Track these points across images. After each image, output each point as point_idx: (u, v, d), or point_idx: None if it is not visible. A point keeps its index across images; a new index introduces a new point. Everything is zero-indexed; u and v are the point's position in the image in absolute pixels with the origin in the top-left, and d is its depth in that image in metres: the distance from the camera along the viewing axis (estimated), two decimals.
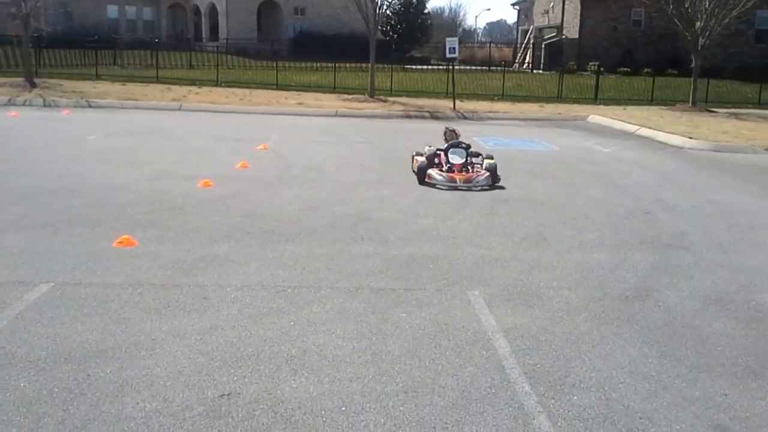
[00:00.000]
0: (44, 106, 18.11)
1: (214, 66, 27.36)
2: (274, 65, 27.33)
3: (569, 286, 5.73)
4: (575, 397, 3.90)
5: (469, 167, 9.77)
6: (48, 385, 3.79)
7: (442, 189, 9.30)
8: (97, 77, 24.34)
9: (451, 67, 23.82)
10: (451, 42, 22.16)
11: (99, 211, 7.48)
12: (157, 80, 24.64)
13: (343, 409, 3.67)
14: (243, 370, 4.07)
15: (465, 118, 20.40)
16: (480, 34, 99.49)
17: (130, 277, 5.47)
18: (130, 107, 18.57)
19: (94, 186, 8.73)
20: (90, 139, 12.87)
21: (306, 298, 5.23)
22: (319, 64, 30.50)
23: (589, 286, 5.76)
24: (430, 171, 9.53)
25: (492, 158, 10.02)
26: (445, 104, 22.26)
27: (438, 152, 10.05)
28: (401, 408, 3.70)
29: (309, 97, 22.62)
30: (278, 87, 25.05)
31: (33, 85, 20.69)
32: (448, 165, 9.66)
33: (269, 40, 41.58)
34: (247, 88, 24.45)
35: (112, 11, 45.25)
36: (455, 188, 9.26)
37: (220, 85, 24.59)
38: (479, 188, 9.27)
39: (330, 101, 21.89)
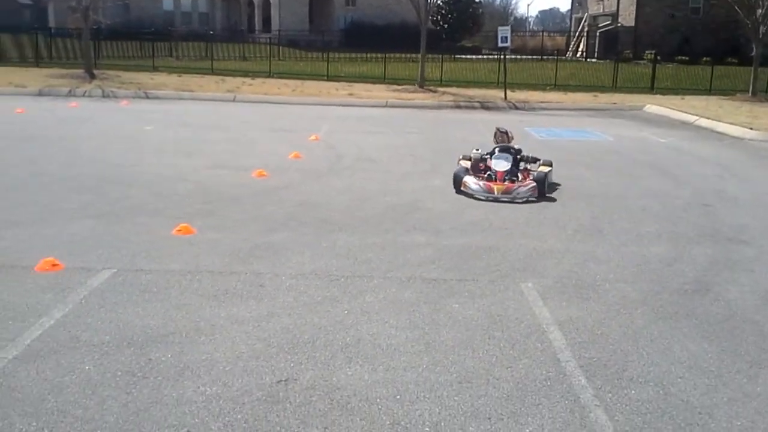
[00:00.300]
0: (103, 96, 18.66)
1: (267, 57, 27.67)
2: (325, 56, 27.49)
3: (626, 279, 5.64)
4: (633, 392, 3.84)
5: (519, 174, 8.62)
6: (112, 369, 3.93)
7: (480, 199, 8.15)
8: (154, 69, 24.93)
9: (502, 56, 23.54)
10: (503, 31, 21.90)
11: (158, 200, 7.69)
12: (212, 72, 25.07)
13: (398, 397, 3.71)
14: (299, 356, 4.14)
15: (516, 108, 20.17)
16: (532, 23, 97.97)
17: (189, 265, 5.62)
18: (186, 98, 18.97)
19: (154, 176, 8.98)
20: (148, 130, 13.22)
21: (359, 288, 5.28)
22: (369, 55, 30.53)
23: (647, 279, 5.65)
24: (466, 179, 8.42)
25: (550, 165, 8.92)
26: (496, 94, 22.04)
27: (485, 157, 9.05)
28: (456, 398, 3.72)
29: (359, 88, 22.69)
30: (329, 78, 25.19)
31: (92, 77, 21.33)
32: (489, 173, 8.54)
33: (320, 31, 41.81)
34: (299, 79, 24.69)
35: (168, 4, 46.15)
36: (495, 200, 8.07)
37: (273, 77, 24.88)
38: (522, 200, 8.04)
39: (380, 92, 21.92)
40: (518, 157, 8.85)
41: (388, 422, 3.47)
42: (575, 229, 7.06)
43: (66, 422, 3.38)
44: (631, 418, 3.58)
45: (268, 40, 31.50)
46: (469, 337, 4.47)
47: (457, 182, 8.52)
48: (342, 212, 7.47)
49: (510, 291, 5.29)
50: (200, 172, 9.37)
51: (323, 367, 4.02)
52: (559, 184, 9.04)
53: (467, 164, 8.96)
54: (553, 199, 8.32)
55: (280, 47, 33.21)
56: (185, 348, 4.20)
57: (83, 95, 18.69)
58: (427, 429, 3.43)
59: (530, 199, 8.10)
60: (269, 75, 25.19)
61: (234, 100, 19.22)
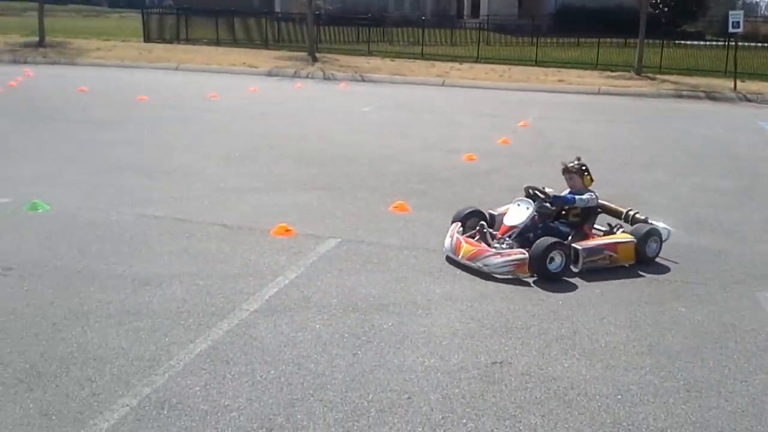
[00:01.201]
0: (324, 79, 19.88)
1: (475, 43, 27.67)
2: (534, 41, 26.86)
3: None
4: None
5: (581, 233, 5.59)
6: (339, 330, 4.21)
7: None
8: (369, 53, 26.04)
9: (732, 43, 21.39)
10: (735, 15, 19.89)
11: (376, 178, 8.07)
12: (422, 57, 25.62)
13: (619, 397, 3.56)
14: (513, 341, 4.14)
15: (747, 99, 18.27)
16: (763, 8, 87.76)
17: (406, 240, 5.84)
18: (398, 82, 19.61)
19: (372, 154, 9.43)
20: (365, 111, 13.88)
21: (575, 279, 5.13)
22: (580, 40, 29.33)
23: None
24: (452, 228, 5.67)
25: (646, 237, 5.49)
26: (722, 84, 20.12)
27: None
28: (683, 406, 3.49)
29: (569, 74, 21.91)
30: (537, 63, 24.61)
31: (315, 60, 22.80)
32: (481, 224, 5.68)
33: (529, 15, 40.91)
34: (506, 64, 24.40)
35: None
36: (464, 266, 5.31)
37: (480, 62, 24.84)
38: (500, 275, 5.12)
39: (592, 78, 21.00)
40: (597, 209, 5.82)
41: (609, 420, 3.36)
42: None
43: (300, 374, 3.68)
44: None
45: (476, 25, 31.46)
46: (697, 344, 4.17)
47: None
48: None
49: (744, 299, 4.84)
50: (413, 153, 9.66)
51: (538, 355, 3.98)
52: (669, 267, 5.49)
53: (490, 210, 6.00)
54: (573, 286, 5.02)
55: (488, 32, 33.05)
56: (404, 319, 4.38)
57: (306, 77, 20.06)
58: None
59: (506, 275, 5.11)
60: (477, 60, 25.19)
61: (443, 85, 19.51)
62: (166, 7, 37.41)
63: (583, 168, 5.80)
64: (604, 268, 5.27)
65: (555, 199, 5.61)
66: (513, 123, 12.58)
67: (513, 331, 4.27)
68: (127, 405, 3.31)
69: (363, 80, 19.74)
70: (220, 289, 4.71)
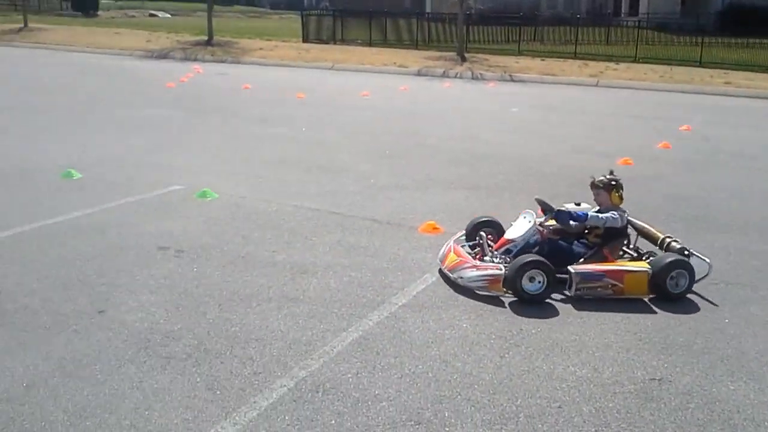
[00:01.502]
0: (472, 78, 19.80)
1: (632, 42, 26.36)
2: (698, 41, 25.12)
3: None
4: None
5: (598, 255, 4.97)
6: (486, 331, 4.19)
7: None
8: (519, 53, 25.58)
9: None
10: None
11: (524, 179, 7.94)
12: (575, 56, 24.78)
13: None
14: (674, 358, 3.91)
15: None
16: None
17: None
18: (548, 82, 19.12)
19: (519, 155, 9.28)
20: (513, 111, 13.66)
21: (741, 296, 4.79)
22: (750, 40, 27.06)
23: None
24: (456, 236, 5.47)
25: (652, 270, 4.68)
26: None
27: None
28: None
29: (737, 77, 20.28)
30: (702, 64, 22.98)
31: (463, 60, 22.76)
32: (479, 235, 5.36)
33: (694, 14, 38.33)
34: (668, 64, 23.02)
35: None
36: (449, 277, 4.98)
37: (638, 62, 23.62)
38: (475, 288, 4.74)
39: (764, 81, 19.28)
40: (624, 231, 5.15)
41: None
42: None
43: (447, 372, 3.70)
44: None
45: (635, 24, 29.96)
46: None
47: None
48: (720, 211, 6.83)
49: None
50: (563, 155, 9.39)
51: (701, 375, 3.74)
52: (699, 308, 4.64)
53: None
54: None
55: (648, 31, 31.37)
56: (554, 325, 4.28)
57: (455, 76, 20.09)
58: None
59: (479, 290, 4.72)
60: (635, 60, 23.95)
61: (597, 85, 18.79)
62: (322, 9, 38.92)
63: (613, 183, 5.06)
64: (609, 298, 4.65)
65: (558, 215, 4.99)
66: (674, 127, 11.86)
67: (673, 348, 4.04)
68: (285, 386, 3.50)
69: (512, 80, 19.45)
70: (370, 282, 4.85)
